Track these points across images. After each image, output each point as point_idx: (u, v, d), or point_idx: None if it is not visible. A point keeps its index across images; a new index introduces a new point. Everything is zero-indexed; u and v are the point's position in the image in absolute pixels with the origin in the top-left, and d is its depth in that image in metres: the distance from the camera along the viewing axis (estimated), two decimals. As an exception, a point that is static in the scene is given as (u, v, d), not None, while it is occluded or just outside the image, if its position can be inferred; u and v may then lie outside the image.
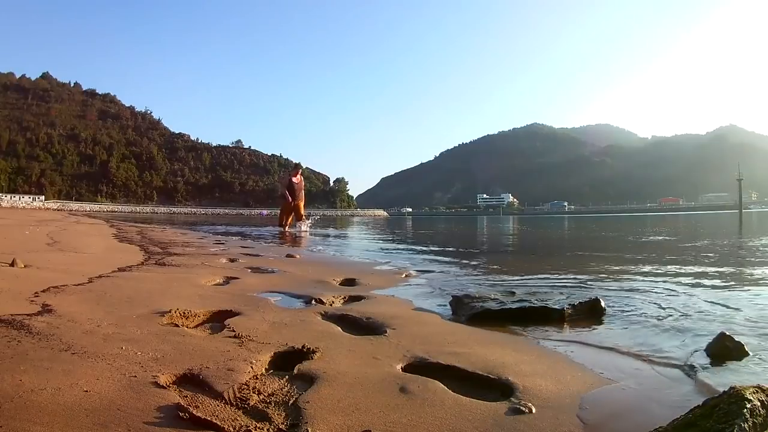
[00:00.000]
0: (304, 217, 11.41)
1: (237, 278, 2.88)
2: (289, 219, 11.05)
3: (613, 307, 2.15)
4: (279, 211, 11.84)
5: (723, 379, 1.27)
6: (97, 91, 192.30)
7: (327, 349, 1.40)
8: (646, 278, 3.17)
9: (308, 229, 11.12)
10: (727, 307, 2.22)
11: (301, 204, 11.28)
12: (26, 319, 1.53)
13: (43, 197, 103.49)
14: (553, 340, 1.67)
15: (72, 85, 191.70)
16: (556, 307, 1.96)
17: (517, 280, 3.16)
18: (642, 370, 1.36)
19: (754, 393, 0.78)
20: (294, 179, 11.02)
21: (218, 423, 0.91)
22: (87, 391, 1.02)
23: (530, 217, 61.45)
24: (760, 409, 0.76)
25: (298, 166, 11.48)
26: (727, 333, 1.50)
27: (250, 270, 3.37)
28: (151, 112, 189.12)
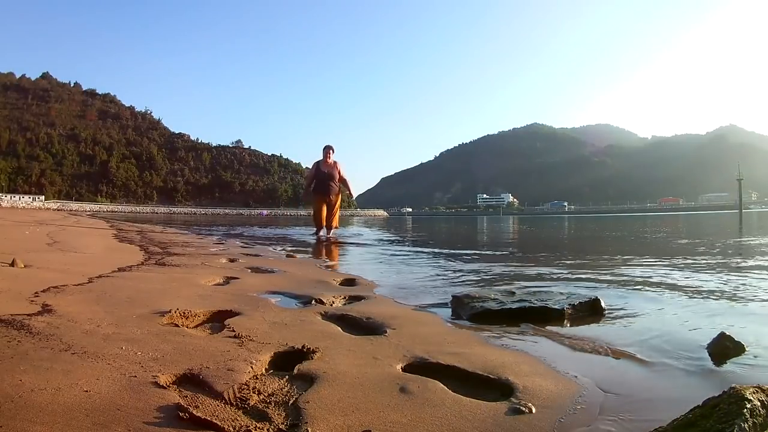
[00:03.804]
0: (335, 222, 8.39)
1: (237, 278, 2.88)
2: (324, 218, 8.25)
3: (613, 306, 2.16)
4: (312, 212, 8.76)
5: (723, 378, 1.27)
6: (97, 91, 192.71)
7: (327, 349, 1.40)
8: (646, 278, 3.16)
9: (333, 236, 8.19)
10: (728, 306, 2.22)
11: (338, 200, 8.33)
12: (26, 319, 1.53)
13: (43, 197, 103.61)
14: (553, 340, 1.67)
15: (72, 85, 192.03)
16: (556, 307, 1.96)
17: (518, 279, 3.16)
18: (641, 369, 1.36)
19: (754, 393, 0.78)
20: (323, 166, 8.18)
21: (218, 423, 0.91)
22: (87, 391, 1.02)
23: (530, 217, 61.47)
24: (760, 409, 0.76)
25: (327, 148, 8.28)
26: (727, 333, 1.50)
27: (250, 270, 3.37)
28: (151, 112, 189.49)
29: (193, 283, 2.57)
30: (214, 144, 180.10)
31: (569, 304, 1.99)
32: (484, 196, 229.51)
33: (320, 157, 8.34)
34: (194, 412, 0.94)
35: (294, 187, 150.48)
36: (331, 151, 8.27)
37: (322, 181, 8.17)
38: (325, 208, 8.23)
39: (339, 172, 8.26)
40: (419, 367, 1.30)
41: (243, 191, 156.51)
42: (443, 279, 3.22)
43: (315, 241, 7.70)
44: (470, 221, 31.43)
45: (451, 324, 1.90)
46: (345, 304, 2.24)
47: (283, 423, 0.94)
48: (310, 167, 8.66)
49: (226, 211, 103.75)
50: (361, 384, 1.15)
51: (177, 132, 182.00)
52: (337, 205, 8.37)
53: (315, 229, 8.50)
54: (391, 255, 5.25)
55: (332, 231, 8.40)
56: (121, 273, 2.86)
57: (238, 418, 0.95)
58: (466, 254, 5.45)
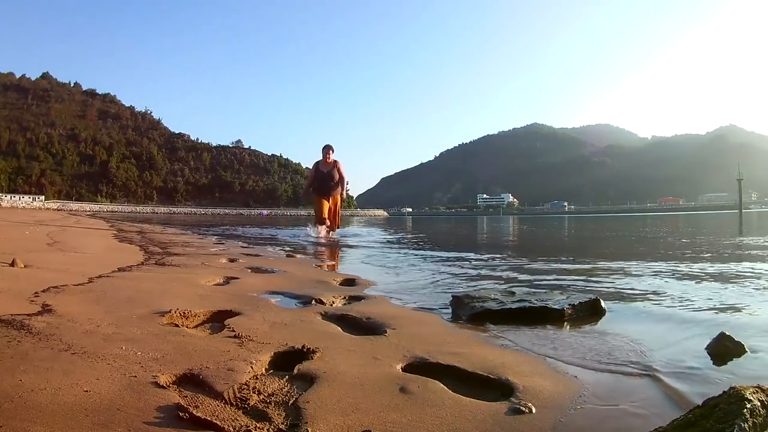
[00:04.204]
0: (337, 222, 8.37)
1: (237, 278, 2.88)
2: (327, 217, 8.19)
3: (613, 306, 2.15)
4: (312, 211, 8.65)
5: (723, 379, 1.27)
6: (97, 91, 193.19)
7: (327, 349, 1.40)
8: (646, 278, 3.16)
9: (334, 236, 8.17)
10: (728, 306, 2.22)
11: (338, 200, 8.28)
12: (26, 319, 1.53)
13: (43, 197, 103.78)
14: (553, 340, 1.67)
15: (72, 85, 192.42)
16: (556, 307, 1.96)
17: (518, 279, 3.16)
18: (642, 370, 1.36)
19: (754, 393, 0.78)
20: (323, 166, 8.11)
21: (218, 423, 0.91)
22: (87, 391, 1.02)
23: (530, 217, 61.47)
24: (760, 409, 0.76)
25: (326, 147, 8.17)
26: (727, 333, 1.50)
27: (250, 270, 3.37)
28: (151, 112, 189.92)
29: (193, 283, 2.57)
30: (214, 144, 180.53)
31: (569, 304, 1.99)
32: (484, 196, 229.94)
33: (320, 156, 8.28)
34: (194, 412, 0.94)
35: (294, 187, 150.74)
36: (330, 151, 8.15)
37: (322, 181, 8.11)
38: (325, 205, 8.12)
39: (338, 171, 8.15)
40: (419, 367, 1.30)
41: (243, 191, 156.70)
42: (443, 279, 3.21)
43: (315, 240, 7.65)
44: (470, 221, 31.43)
45: (451, 324, 1.90)
46: (345, 304, 2.24)
47: (283, 423, 0.94)
48: (311, 167, 8.50)
49: (226, 211, 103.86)
50: (361, 384, 1.15)
51: (177, 132, 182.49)
52: (337, 205, 8.29)
53: (317, 227, 8.33)
54: (391, 255, 5.25)
55: (333, 231, 8.33)
56: (121, 273, 2.86)
57: (238, 418, 0.95)
58: (466, 255, 5.45)
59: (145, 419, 0.92)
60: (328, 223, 8.23)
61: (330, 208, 8.19)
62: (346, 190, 8.70)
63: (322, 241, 7.56)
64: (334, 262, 4.52)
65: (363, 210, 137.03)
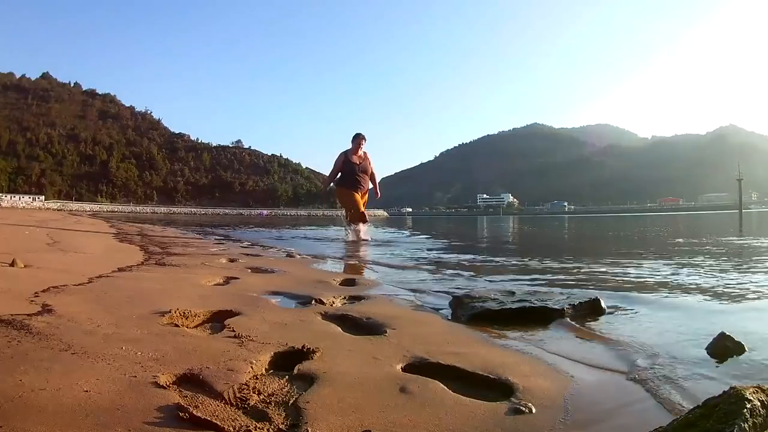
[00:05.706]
0: (365, 217, 7.42)
1: (237, 278, 2.88)
2: (361, 211, 7.38)
3: (613, 306, 2.15)
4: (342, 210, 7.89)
5: (723, 378, 1.27)
6: (97, 91, 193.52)
7: (327, 349, 1.40)
8: (646, 277, 3.16)
9: (368, 237, 7.33)
10: (728, 306, 2.22)
11: (365, 199, 7.45)
12: (26, 319, 1.53)
13: (43, 197, 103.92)
14: (554, 340, 1.67)
15: (72, 85, 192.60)
16: (556, 306, 1.96)
17: (518, 279, 3.16)
18: (642, 370, 1.36)
19: (754, 393, 0.78)
20: (354, 157, 7.20)
21: (218, 423, 0.91)
22: (87, 391, 1.02)
23: (530, 217, 61.48)
24: (760, 409, 0.76)
25: (359, 136, 7.27)
26: (727, 333, 1.50)
27: (250, 270, 3.37)
28: (151, 112, 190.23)
29: (194, 283, 2.57)
30: (214, 144, 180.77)
31: (569, 304, 1.99)
32: (484, 196, 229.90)
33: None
34: (194, 412, 0.94)
35: (294, 187, 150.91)
36: (363, 141, 7.26)
37: (352, 174, 7.19)
38: (359, 199, 7.26)
39: (368, 166, 7.31)
40: (419, 367, 1.30)
41: (243, 191, 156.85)
42: (443, 280, 3.22)
43: (345, 238, 7.05)
44: (470, 221, 31.43)
45: (451, 324, 1.90)
46: (345, 304, 2.24)
47: (283, 423, 0.94)
48: (338, 158, 7.38)
49: (226, 211, 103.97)
50: (361, 384, 1.15)
51: (177, 132, 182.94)
52: (362, 201, 7.40)
53: (345, 225, 7.54)
54: (392, 255, 5.25)
55: (352, 226, 7.44)
56: (122, 273, 2.86)
57: (238, 418, 0.95)
58: (467, 255, 5.45)
59: (145, 419, 0.91)
60: (366, 220, 7.39)
61: (355, 203, 7.31)
62: (376, 189, 7.71)
63: (358, 240, 6.89)
64: (335, 263, 4.52)
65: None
